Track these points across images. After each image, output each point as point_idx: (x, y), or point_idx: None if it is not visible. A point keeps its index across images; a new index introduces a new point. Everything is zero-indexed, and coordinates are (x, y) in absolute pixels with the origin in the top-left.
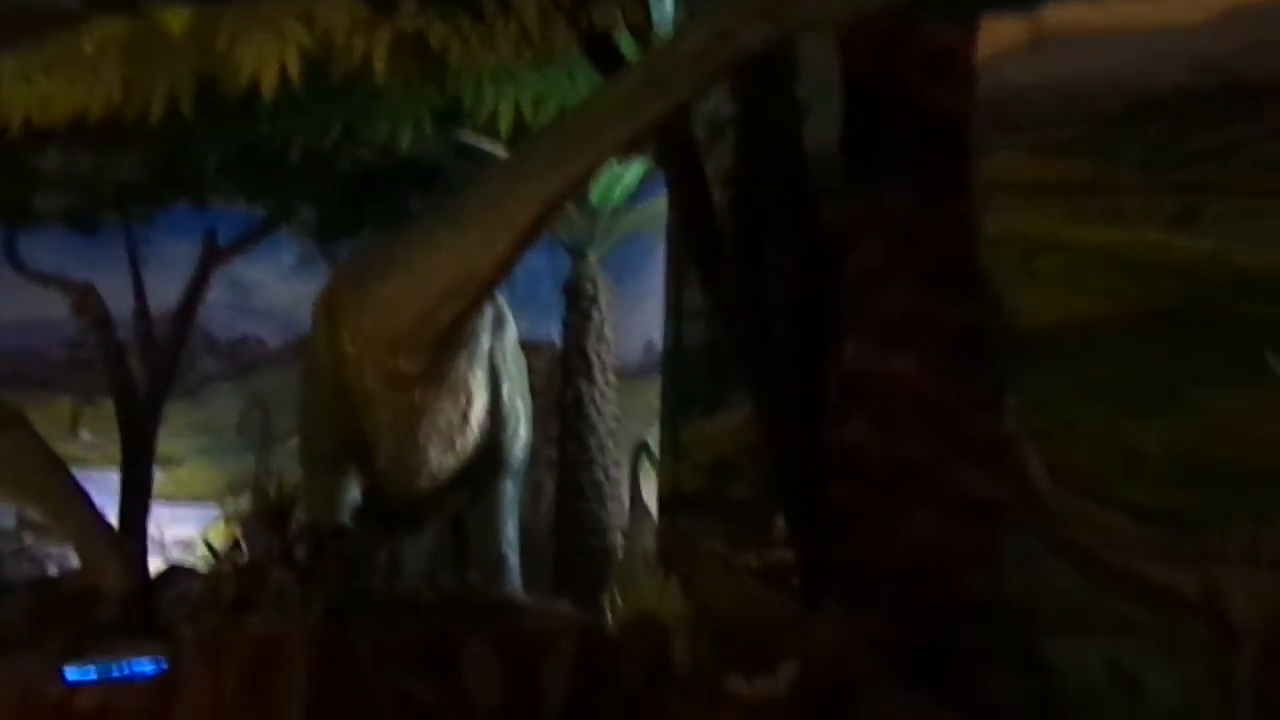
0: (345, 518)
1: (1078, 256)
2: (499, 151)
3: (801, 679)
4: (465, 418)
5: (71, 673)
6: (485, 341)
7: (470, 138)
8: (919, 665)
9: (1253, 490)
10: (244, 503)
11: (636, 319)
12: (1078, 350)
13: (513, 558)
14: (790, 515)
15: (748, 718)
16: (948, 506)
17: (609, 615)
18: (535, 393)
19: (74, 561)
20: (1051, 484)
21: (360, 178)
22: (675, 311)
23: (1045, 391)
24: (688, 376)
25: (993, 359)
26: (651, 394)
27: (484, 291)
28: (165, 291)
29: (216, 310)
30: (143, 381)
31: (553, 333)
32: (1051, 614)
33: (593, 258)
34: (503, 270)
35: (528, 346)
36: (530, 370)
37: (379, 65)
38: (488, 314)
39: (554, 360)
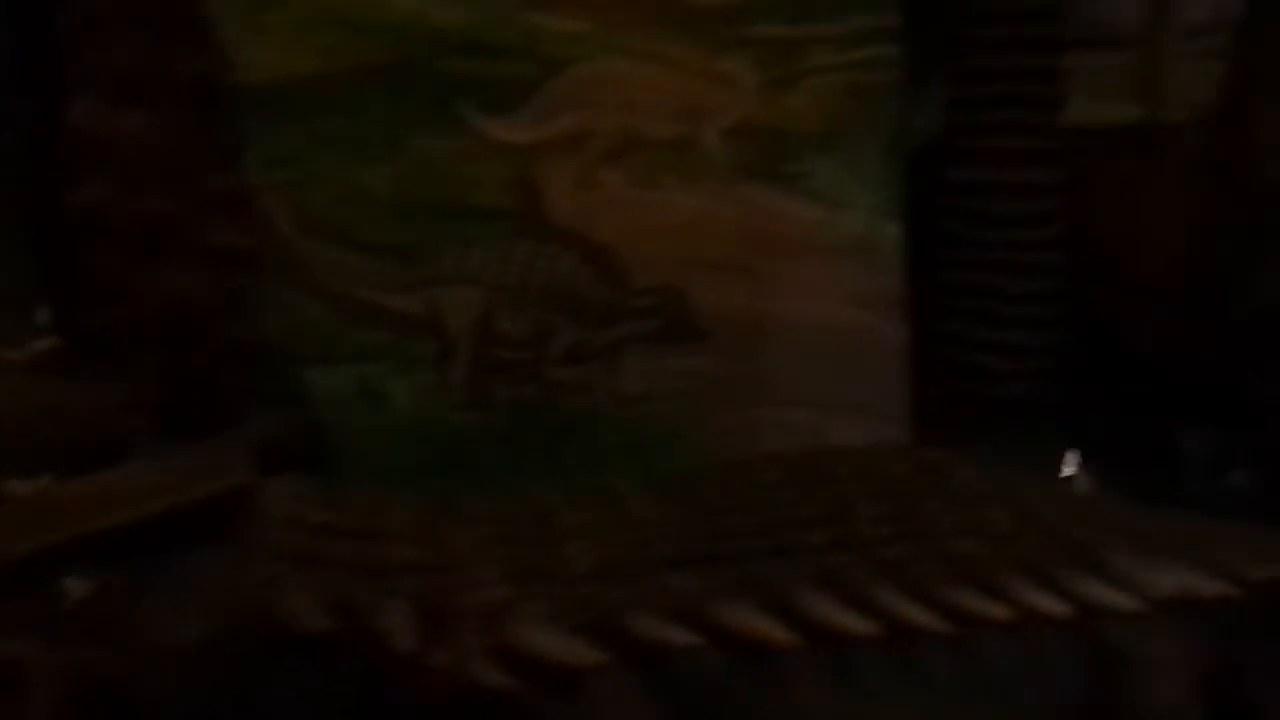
0: None
1: (301, 12)
2: None
3: (71, 462)
4: None
5: None
6: None
7: None
8: (187, 416)
9: (459, 221)
10: None
11: None
12: (308, 104)
13: None
14: (47, 296)
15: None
16: (197, 260)
17: None
18: None
19: None
20: (295, 230)
21: None
22: None
23: (282, 144)
24: None
25: (227, 113)
26: None
27: None
28: None
29: None
30: None
31: None
32: (306, 349)
33: None
34: None
35: None
36: None
37: None
38: None
39: None
